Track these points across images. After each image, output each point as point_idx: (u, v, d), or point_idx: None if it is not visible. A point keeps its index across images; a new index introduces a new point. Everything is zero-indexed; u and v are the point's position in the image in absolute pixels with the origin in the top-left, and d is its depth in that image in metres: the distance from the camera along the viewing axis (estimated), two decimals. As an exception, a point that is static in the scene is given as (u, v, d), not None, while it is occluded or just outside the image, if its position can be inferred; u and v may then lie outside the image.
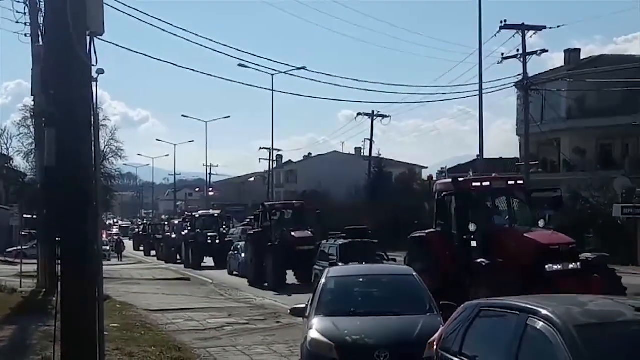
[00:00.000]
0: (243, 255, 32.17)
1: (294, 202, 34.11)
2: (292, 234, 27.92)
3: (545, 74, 44.33)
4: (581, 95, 44.93)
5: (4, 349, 12.28)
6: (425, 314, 9.60)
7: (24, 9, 22.14)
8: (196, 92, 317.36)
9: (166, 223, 60.39)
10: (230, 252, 35.58)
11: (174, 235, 48.30)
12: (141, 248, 66.19)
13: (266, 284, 27.03)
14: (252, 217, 38.67)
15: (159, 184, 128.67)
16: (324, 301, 9.98)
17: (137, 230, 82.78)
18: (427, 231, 17.10)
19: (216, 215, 46.15)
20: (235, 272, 33.77)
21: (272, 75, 43.19)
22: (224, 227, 43.92)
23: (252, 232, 31.43)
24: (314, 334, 9.27)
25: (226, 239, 41.41)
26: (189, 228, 43.50)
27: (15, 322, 14.67)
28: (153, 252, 57.56)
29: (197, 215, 45.37)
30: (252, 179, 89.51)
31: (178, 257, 45.02)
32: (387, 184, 57.10)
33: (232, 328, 15.94)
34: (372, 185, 52.52)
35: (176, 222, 51.98)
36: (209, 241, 40.96)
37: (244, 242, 33.93)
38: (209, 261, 40.81)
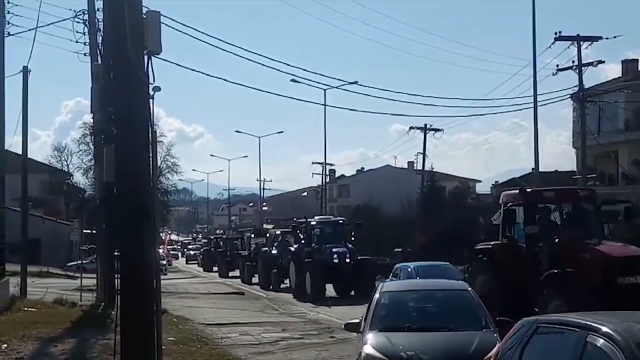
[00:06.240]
0: None
1: (568, 187, 20.29)
2: (599, 248, 14.45)
3: (602, 85, 43.55)
4: (639, 107, 43.98)
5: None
6: (481, 330, 9.47)
7: (83, 29, 22.86)
8: (249, 107, 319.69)
9: (252, 235, 47.66)
10: (389, 281, 22.39)
11: (274, 252, 35.65)
12: (215, 268, 52.91)
13: None
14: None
15: (213, 198, 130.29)
16: (378, 316, 9.90)
17: (207, 246, 66.35)
18: None
19: (341, 222, 32.51)
20: None
21: (325, 90, 43.49)
22: (352, 240, 31.08)
23: (484, 247, 17.05)
24: (368, 349, 9.22)
25: (361, 258, 29.55)
26: (302, 241, 31.12)
27: (76, 335, 14.94)
28: (232, 273, 45.70)
29: (313, 223, 31.67)
30: (305, 194, 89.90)
31: (285, 282, 32.46)
32: (441, 198, 56.67)
33: (287, 343, 15.96)
34: (425, 199, 52.18)
35: (278, 231, 39.74)
36: (336, 260, 28.70)
37: (412, 266, 23.74)
38: (328, 288, 29.04)
